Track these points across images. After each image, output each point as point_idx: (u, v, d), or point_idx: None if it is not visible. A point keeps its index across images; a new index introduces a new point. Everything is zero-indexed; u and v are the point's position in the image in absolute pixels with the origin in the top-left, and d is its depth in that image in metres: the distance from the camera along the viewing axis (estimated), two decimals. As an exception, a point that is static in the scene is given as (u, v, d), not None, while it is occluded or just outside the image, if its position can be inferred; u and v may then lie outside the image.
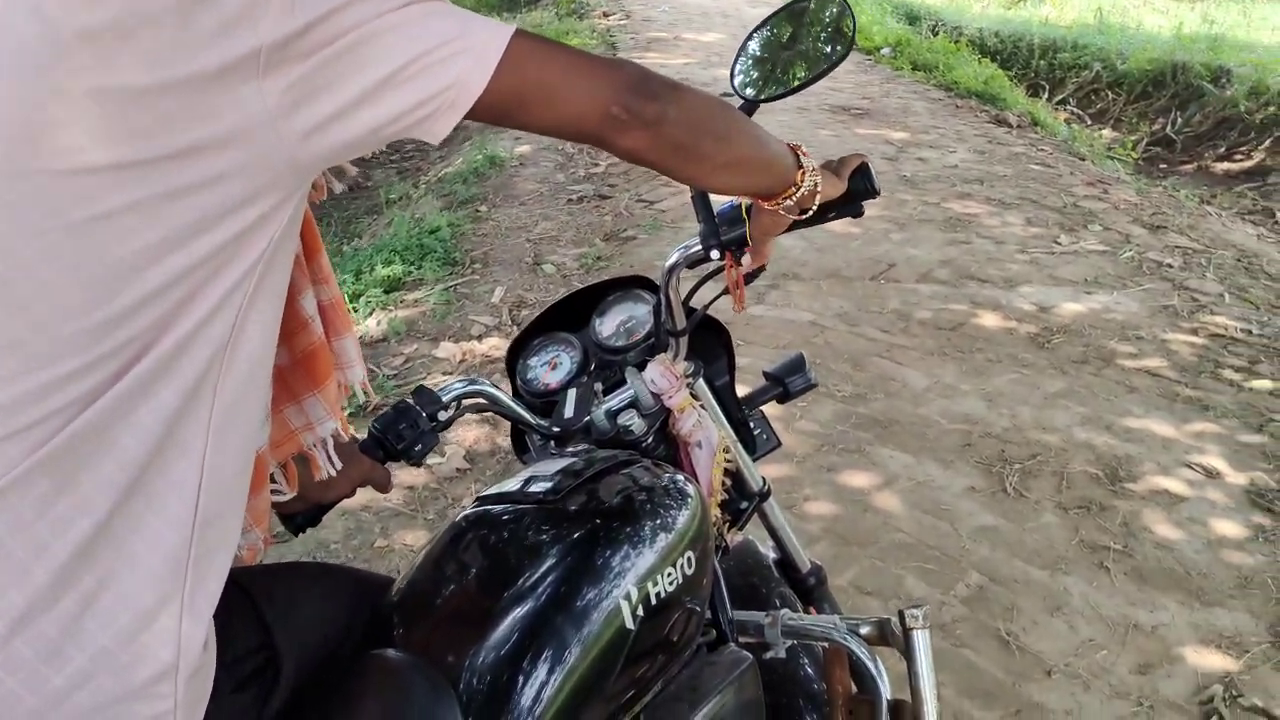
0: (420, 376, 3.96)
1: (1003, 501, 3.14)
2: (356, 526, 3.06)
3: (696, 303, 1.46)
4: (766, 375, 1.63)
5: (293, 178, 0.85)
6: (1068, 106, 10.68)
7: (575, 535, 1.15)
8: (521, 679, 1.03)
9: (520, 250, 5.27)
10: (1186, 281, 4.78)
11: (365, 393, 1.19)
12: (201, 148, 0.79)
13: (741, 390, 1.62)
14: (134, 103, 0.76)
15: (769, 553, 1.75)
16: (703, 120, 1.00)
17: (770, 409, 1.67)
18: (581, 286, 1.62)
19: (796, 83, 1.31)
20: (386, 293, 4.80)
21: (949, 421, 3.58)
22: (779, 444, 1.68)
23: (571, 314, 1.58)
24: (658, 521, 1.21)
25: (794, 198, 1.16)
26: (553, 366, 1.53)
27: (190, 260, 0.81)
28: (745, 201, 1.26)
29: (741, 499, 1.58)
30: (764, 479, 1.60)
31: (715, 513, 1.49)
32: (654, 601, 1.14)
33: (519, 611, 1.08)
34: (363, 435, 1.33)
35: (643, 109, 0.93)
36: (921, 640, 1.34)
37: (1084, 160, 7.16)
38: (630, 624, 1.11)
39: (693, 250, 1.35)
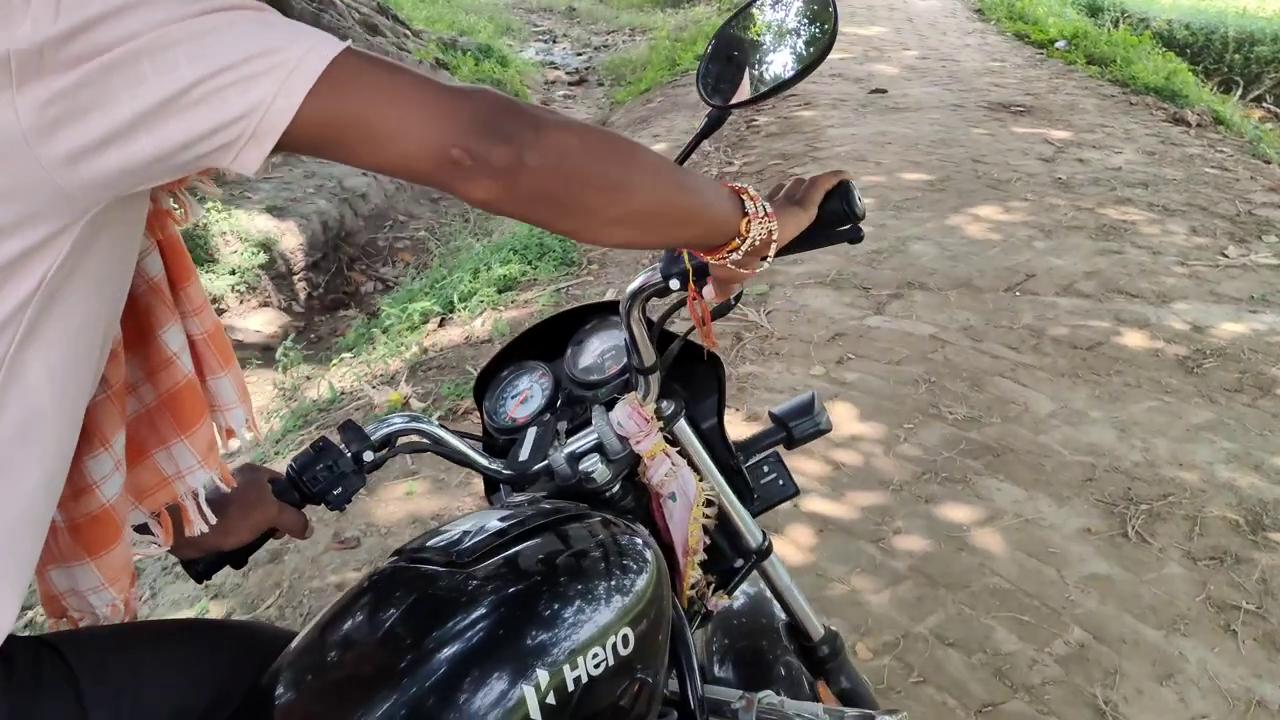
0: (516, 380, 3.87)
1: (1121, 547, 2.81)
2: (424, 536, 2.98)
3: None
4: (772, 416, 1.44)
5: (64, 207, 0.73)
6: (1264, 104, 9.88)
7: (480, 609, 1.00)
8: None
9: (639, 252, 5.13)
10: (1372, 302, 4.26)
11: (251, 435, 1.07)
12: None
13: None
14: None
15: (783, 613, 1.56)
16: (580, 166, 0.81)
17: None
18: (563, 310, 1.46)
19: (770, 87, 1.12)
20: (500, 292, 4.75)
21: (1071, 452, 3.25)
22: (796, 491, 1.49)
23: (552, 341, 1.43)
24: (591, 593, 1.05)
25: (740, 250, 0.98)
26: (523, 400, 1.39)
27: None
28: None
29: (737, 556, 1.40)
30: (764, 534, 1.41)
31: (694, 574, 1.32)
32: (570, 688, 0.98)
33: (401, 699, 0.94)
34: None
35: (489, 153, 0.75)
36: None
37: (1269, 164, 6.52)
38: (536, 715, 0.96)
39: (656, 279, 1.18)
